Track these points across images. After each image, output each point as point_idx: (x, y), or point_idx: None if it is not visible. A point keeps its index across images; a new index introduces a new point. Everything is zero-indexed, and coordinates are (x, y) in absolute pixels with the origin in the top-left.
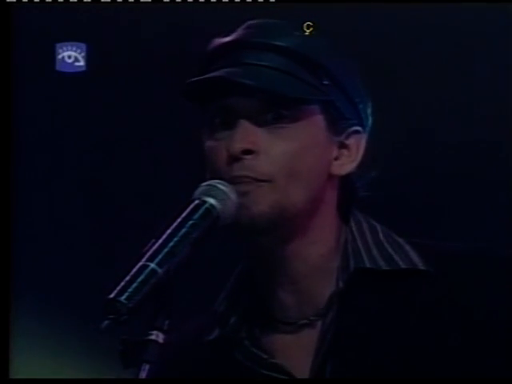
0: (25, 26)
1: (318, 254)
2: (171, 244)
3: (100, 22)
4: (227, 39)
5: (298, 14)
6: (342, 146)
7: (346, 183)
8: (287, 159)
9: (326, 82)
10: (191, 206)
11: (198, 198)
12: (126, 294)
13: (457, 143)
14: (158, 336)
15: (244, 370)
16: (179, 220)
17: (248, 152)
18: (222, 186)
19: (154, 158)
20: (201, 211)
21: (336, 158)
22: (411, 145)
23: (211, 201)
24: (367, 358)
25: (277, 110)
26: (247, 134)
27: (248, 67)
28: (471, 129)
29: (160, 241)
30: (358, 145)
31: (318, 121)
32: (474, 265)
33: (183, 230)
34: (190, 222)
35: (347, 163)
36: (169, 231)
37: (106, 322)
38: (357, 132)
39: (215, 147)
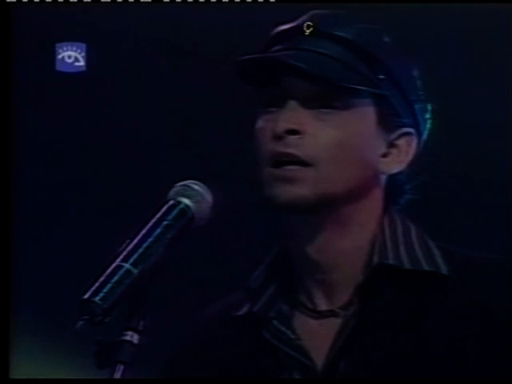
0: (25, 25)
1: (351, 247)
2: (146, 245)
3: (100, 22)
4: (289, 25)
5: (297, 14)
6: (392, 145)
7: (394, 184)
8: (333, 146)
9: (381, 77)
10: (166, 206)
11: (173, 199)
12: (101, 295)
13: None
14: (132, 336)
15: (268, 347)
16: (154, 220)
17: (293, 132)
18: (196, 186)
19: (153, 157)
20: (175, 212)
21: (384, 156)
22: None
23: (186, 201)
24: (381, 354)
25: (328, 97)
26: (293, 115)
27: (303, 52)
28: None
29: (135, 241)
30: (408, 146)
31: (369, 114)
32: (499, 278)
33: (158, 231)
34: (165, 223)
35: (395, 163)
36: (143, 232)
37: (81, 322)
38: (408, 134)
39: (263, 128)
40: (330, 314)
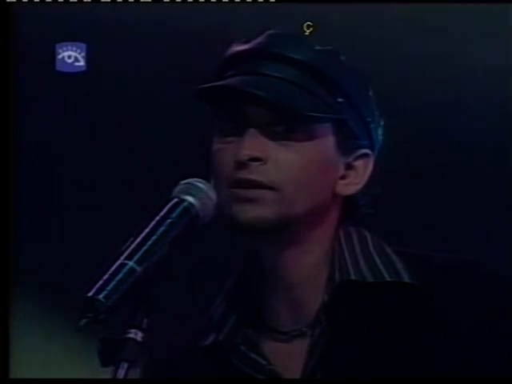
0: (25, 25)
1: (312, 263)
2: (150, 242)
3: (100, 21)
4: (246, 47)
5: (298, 14)
6: (349, 167)
7: (349, 201)
8: (294, 170)
9: (340, 100)
10: (170, 204)
11: (177, 197)
12: (105, 293)
13: (456, 149)
14: (136, 334)
15: (241, 375)
16: (158, 218)
17: (255, 159)
18: (200, 184)
19: (156, 155)
20: (179, 210)
21: (342, 178)
22: (411, 156)
23: (190, 199)
24: (354, 371)
25: (288, 123)
26: (256, 142)
27: (263, 77)
28: (472, 136)
29: (138, 239)
30: (365, 167)
31: (328, 138)
32: (460, 278)
33: (162, 229)
34: (169, 221)
35: (352, 184)
36: (147, 229)
37: (84, 320)
38: (365, 155)
39: (223, 150)
40: (298, 333)
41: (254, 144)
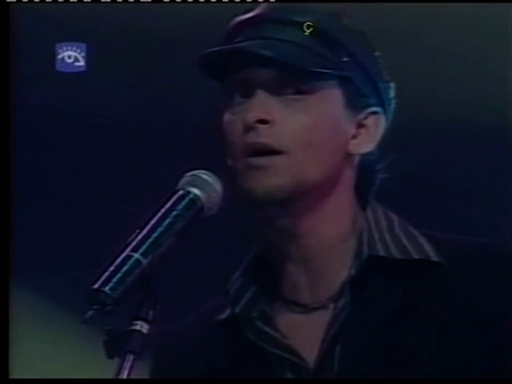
0: (25, 25)
1: (332, 232)
2: (155, 234)
3: (100, 21)
4: (247, 16)
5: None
6: (360, 125)
7: (365, 165)
8: (303, 131)
9: (345, 59)
10: (175, 196)
11: (183, 189)
12: (110, 285)
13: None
14: (142, 326)
15: (255, 349)
16: (163, 210)
17: (263, 122)
18: (206, 176)
19: (152, 155)
20: (185, 202)
21: (353, 137)
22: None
23: (195, 191)
24: (375, 346)
25: (295, 83)
26: (263, 104)
27: (266, 40)
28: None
29: (144, 231)
30: (376, 125)
31: (336, 97)
32: (487, 259)
33: (167, 221)
34: (175, 213)
35: (365, 142)
36: (153, 222)
37: (90, 312)
38: (375, 113)
39: (232, 121)
40: (319, 306)
41: (260, 106)
